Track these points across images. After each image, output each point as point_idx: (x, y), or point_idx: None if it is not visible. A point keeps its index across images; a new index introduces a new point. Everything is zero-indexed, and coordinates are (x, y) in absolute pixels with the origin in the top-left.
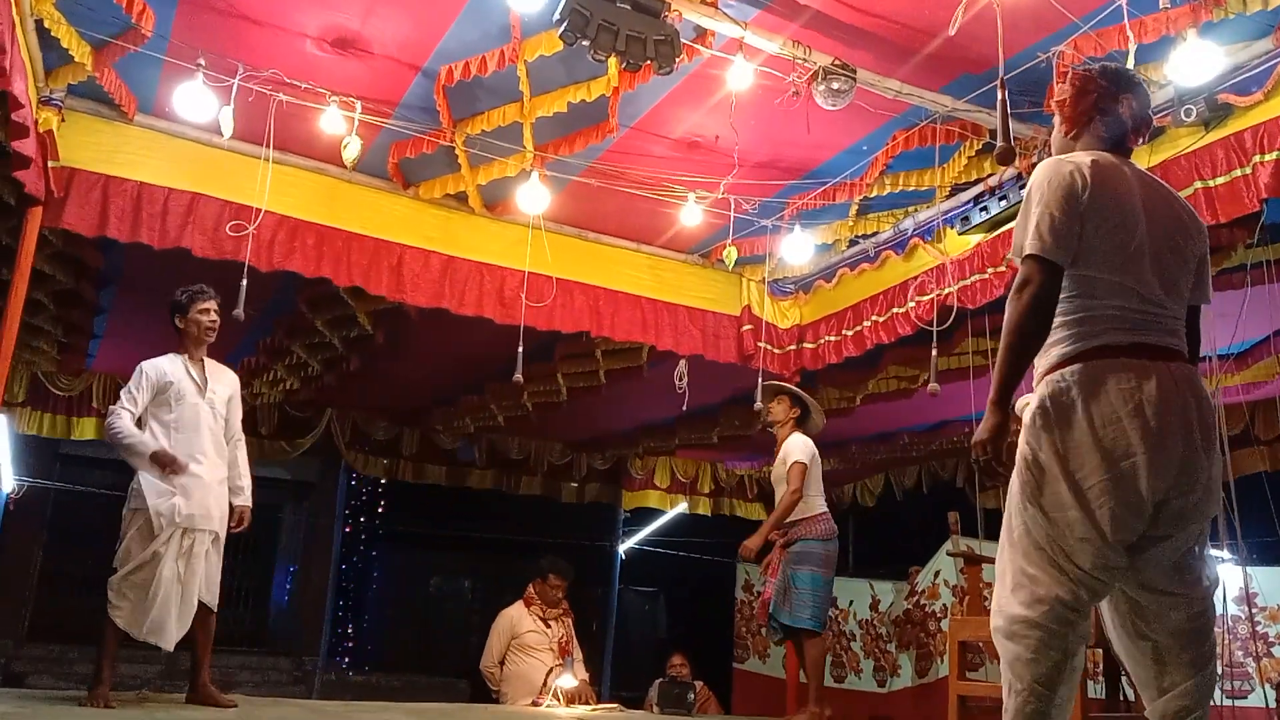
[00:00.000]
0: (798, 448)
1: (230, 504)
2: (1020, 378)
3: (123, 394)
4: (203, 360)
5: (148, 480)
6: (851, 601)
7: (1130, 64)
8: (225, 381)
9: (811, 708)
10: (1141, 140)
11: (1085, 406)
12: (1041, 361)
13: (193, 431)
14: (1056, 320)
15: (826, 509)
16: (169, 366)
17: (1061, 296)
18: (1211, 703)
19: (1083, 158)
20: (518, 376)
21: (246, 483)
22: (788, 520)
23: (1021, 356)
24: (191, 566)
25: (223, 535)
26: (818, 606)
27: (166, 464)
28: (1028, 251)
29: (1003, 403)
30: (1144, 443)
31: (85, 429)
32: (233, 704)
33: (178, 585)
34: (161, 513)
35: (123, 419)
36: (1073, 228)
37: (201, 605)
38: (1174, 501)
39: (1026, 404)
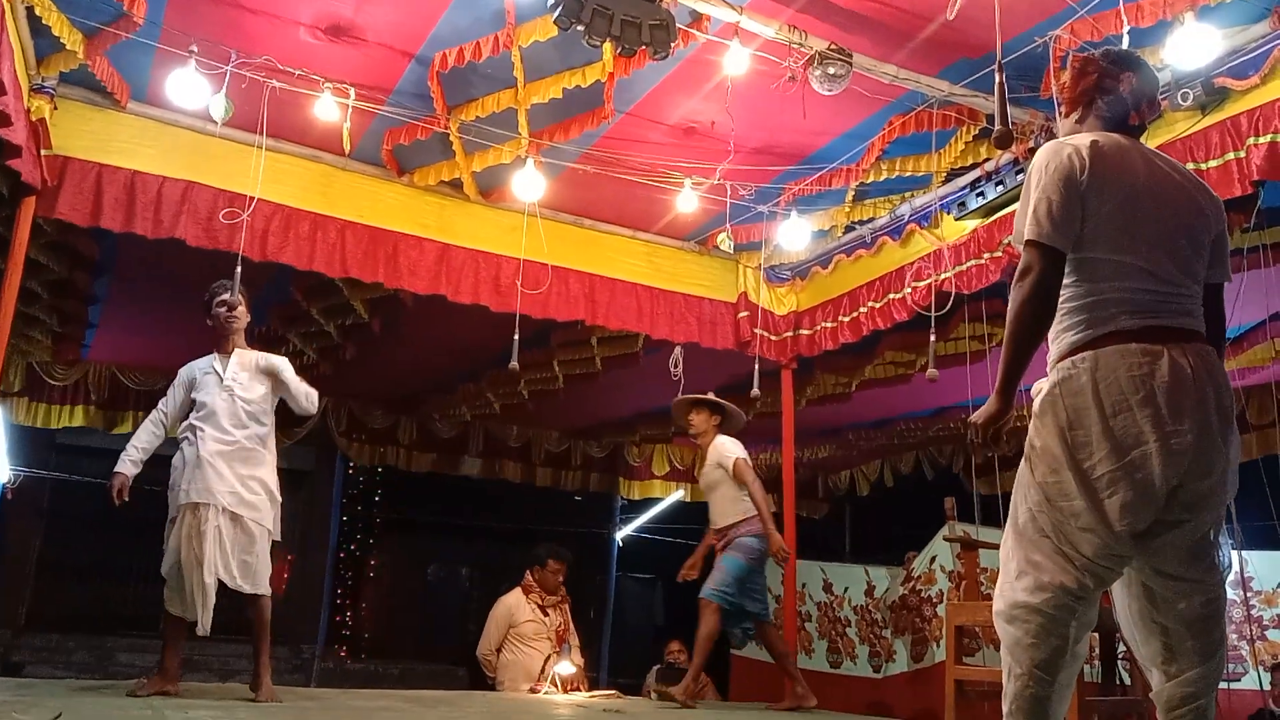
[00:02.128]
0: (735, 445)
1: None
2: (1025, 365)
3: (160, 400)
4: (231, 351)
5: (173, 467)
6: (847, 588)
7: (1125, 47)
8: (250, 366)
9: (692, 683)
10: (1147, 120)
11: (1095, 394)
12: (1053, 349)
13: (211, 419)
14: (1065, 307)
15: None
16: (199, 365)
17: (1068, 282)
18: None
19: (1082, 139)
20: (514, 364)
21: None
22: (727, 524)
23: (1025, 344)
24: (202, 546)
25: (246, 516)
26: (724, 585)
27: (110, 487)
28: (1027, 238)
29: (1007, 390)
30: (1156, 430)
31: (81, 418)
32: (276, 699)
33: (197, 568)
34: (176, 495)
35: (144, 424)
36: (1072, 211)
37: (241, 592)
38: (1189, 487)
39: (1040, 390)
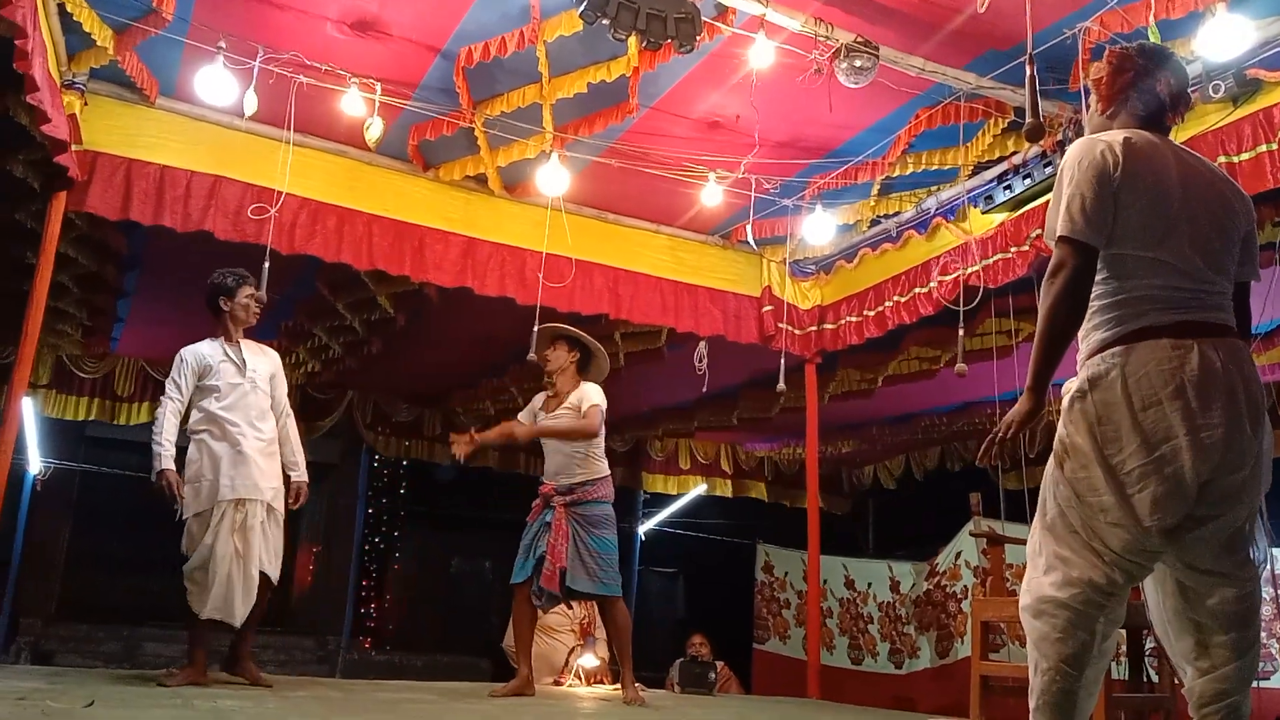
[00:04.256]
0: (598, 392)
1: (288, 479)
2: (1057, 363)
3: (168, 384)
4: (239, 342)
5: (196, 459)
6: (870, 584)
7: (1157, 39)
8: (265, 359)
9: (632, 678)
10: (1179, 118)
11: (1125, 389)
12: (1083, 346)
13: (240, 410)
14: (1096, 303)
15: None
16: (208, 350)
17: (1100, 278)
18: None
19: (1116, 135)
20: (531, 355)
21: (301, 458)
22: (578, 481)
23: (1057, 341)
24: (249, 540)
25: (278, 508)
26: (615, 574)
27: (161, 489)
28: (1060, 234)
29: (1039, 387)
30: (1186, 424)
31: (110, 411)
32: (268, 684)
33: (238, 561)
34: (213, 490)
35: (162, 417)
36: (1105, 207)
37: (263, 576)
38: (1220, 481)
39: (1070, 388)
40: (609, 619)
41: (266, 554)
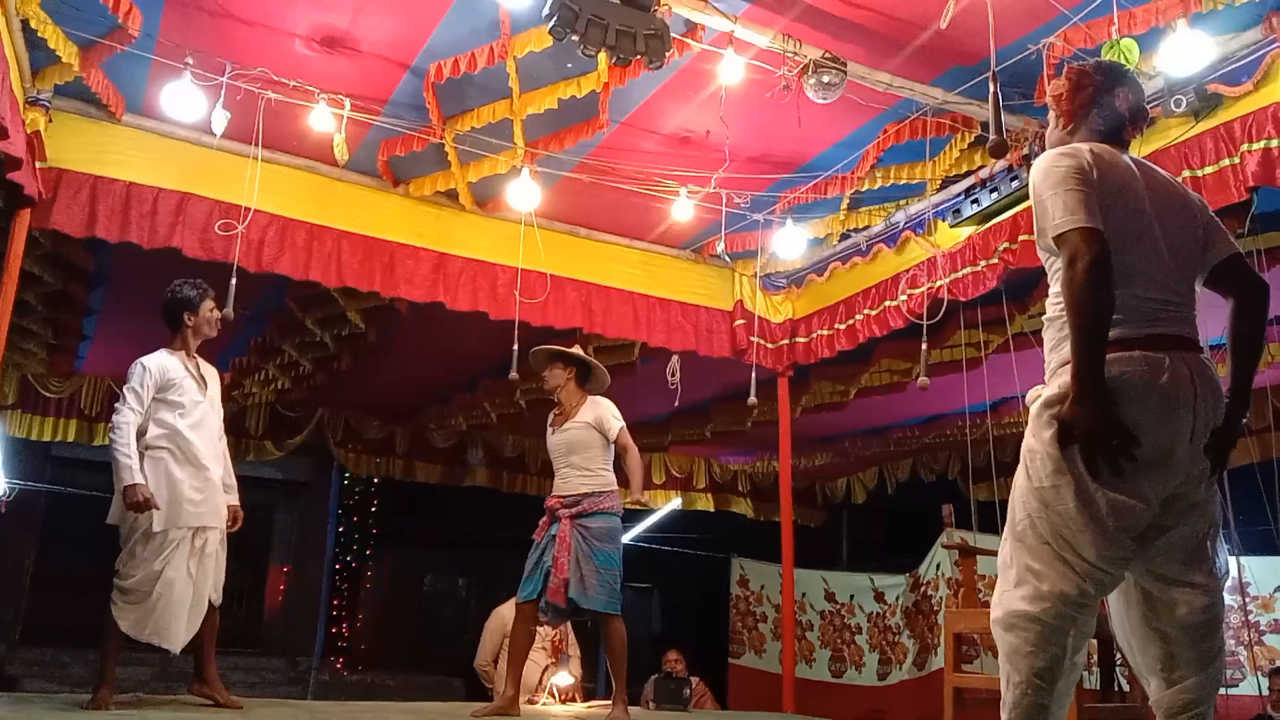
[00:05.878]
0: (614, 410)
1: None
2: (1104, 352)
3: (127, 393)
4: (196, 358)
5: (157, 480)
6: (852, 595)
7: (1135, 49)
8: (214, 378)
9: (624, 698)
10: (1138, 132)
11: None
12: (1054, 356)
13: (204, 430)
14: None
15: None
16: (169, 363)
17: None
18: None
19: (1082, 147)
20: (514, 374)
21: (234, 480)
22: (583, 492)
23: (1096, 329)
24: (204, 565)
25: (224, 533)
26: (619, 587)
27: (137, 504)
28: (1063, 230)
29: (1098, 385)
30: (1152, 434)
31: (76, 431)
32: (238, 705)
33: (190, 586)
34: (173, 514)
35: (126, 428)
36: (1093, 198)
37: (213, 605)
38: (1184, 493)
39: (1038, 396)
40: (605, 637)
41: (215, 580)
